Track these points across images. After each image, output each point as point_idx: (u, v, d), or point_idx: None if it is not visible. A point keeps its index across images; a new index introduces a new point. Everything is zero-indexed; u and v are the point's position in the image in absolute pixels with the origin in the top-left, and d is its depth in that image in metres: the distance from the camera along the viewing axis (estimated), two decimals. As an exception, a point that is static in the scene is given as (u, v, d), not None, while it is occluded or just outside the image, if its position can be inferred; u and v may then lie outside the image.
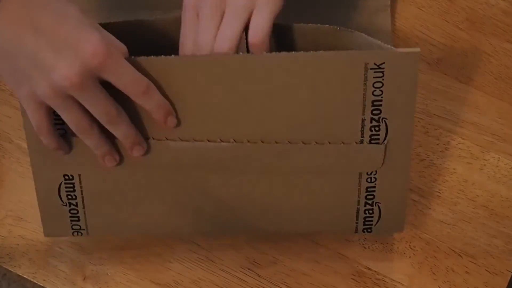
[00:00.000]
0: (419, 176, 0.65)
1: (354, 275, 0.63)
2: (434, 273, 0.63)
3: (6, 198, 0.65)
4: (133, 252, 0.64)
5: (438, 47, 0.68)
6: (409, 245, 0.64)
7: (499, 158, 0.66)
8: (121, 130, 0.52)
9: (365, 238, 0.64)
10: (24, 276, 0.64)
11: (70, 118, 0.51)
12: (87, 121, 0.51)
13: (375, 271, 0.63)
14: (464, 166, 0.66)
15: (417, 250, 0.64)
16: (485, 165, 0.66)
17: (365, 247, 0.64)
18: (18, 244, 0.65)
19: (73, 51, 0.47)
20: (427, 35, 0.68)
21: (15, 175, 0.66)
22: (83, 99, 0.49)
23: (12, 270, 0.64)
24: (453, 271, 0.63)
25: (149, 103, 0.51)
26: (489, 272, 0.63)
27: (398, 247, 0.64)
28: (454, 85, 0.67)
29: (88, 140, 0.53)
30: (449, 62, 0.68)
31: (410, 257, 0.64)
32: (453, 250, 0.64)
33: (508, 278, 0.63)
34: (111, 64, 0.48)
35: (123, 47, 0.50)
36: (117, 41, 0.50)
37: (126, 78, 0.49)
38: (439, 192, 0.65)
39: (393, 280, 0.63)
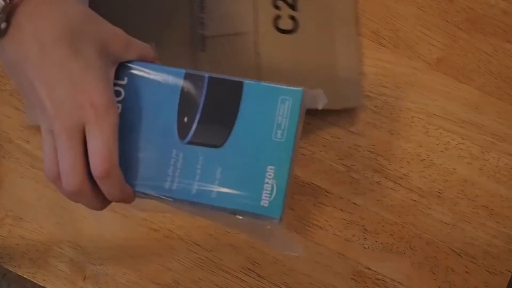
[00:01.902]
0: (419, 176, 0.65)
1: (354, 275, 0.63)
2: (434, 273, 0.63)
3: (6, 198, 0.65)
4: (133, 252, 0.64)
5: (438, 47, 0.68)
6: (409, 245, 0.64)
7: (499, 158, 0.66)
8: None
9: (365, 238, 0.64)
10: (24, 276, 0.64)
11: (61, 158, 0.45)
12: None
13: (375, 271, 0.64)
14: (464, 166, 0.66)
15: (417, 250, 0.64)
16: (485, 165, 0.66)
17: (365, 247, 0.64)
18: (18, 244, 0.65)
19: (70, 95, 0.43)
20: (427, 35, 0.68)
21: (15, 175, 0.66)
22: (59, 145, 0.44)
23: (12, 270, 0.64)
24: (453, 271, 0.63)
25: (103, 186, 0.45)
26: (489, 272, 0.63)
27: (398, 247, 0.64)
28: (454, 85, 0.67)
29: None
30: (449, 62, 0.68)
31: (410, 257, 0.64)
32: (453, 250, 0.64)
33: (508, 278, 0.63)
34: (99, 123, 0.43)
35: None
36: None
37: (96, 147, 0.43)
38: (439, 192, 0.65)
39: (393, 280, 0.63)
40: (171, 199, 0.48)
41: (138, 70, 0.48)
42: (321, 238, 0.64)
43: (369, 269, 0.64)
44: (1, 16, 0.42)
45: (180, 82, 0.48)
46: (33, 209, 0.65)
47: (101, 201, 0.46)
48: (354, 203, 0.65)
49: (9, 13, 0.42)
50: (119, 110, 0.47)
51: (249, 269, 0.64)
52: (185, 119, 0.48)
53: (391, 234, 0.64)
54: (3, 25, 0.42)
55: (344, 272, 0.63)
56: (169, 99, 0.48)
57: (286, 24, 0.66)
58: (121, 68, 0.48)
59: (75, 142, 0.43)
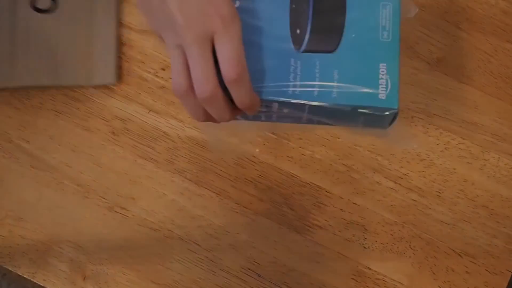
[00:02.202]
0: (419, 176, 0.65)
1: (354, 275, 0.63)
2: (434, 273, 0.63)
3: (6, 198, 0.65)
4: (133, 252, 0.64)
5: (438, 47, 0.68)
6: (409, 245, 0.64)
7: (499, 158, 0.66)
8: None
9: (365, 238, 0.64)
10: (24, 276, 0.64)
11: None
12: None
13: (375, 271, 0.64)
14: (464, 166, 0.66)
15: (417, 250, 0.64)
16: (485, 165, 0.66)
17: (365, 247, 0.64)
18: (18, 244, 0.65)
19: (200, 7, 0.47)
20: (427, 35, 0.68)
21: (15, 175, 0.66)
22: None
23: (12, 270, 0.64)
24: (453, 271, 0.63)
25: (234, 91, 0.49)
26: (489, 272, 0.63)
27: (398, 247, 0.64)
28: (454, 85, 0.67)
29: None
30: (449, 62, 0.68)
31: (410, 257, 0.64)
32: (453, 250, 0.64)
33: (508, 278, 0.63)
34: (227, 31, 0.47)
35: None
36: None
37: (227, 53, 0.47)
38: (439, 192, 0.65)
39: (393, 280, 0.63)
40: (292, 106, 0.52)
41: None
42: (321, 238, 0.64)
43: (369, 269, 0.64)
44: None
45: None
46: (33, 209, 0.65)
47: (231, 109, 0.50)
48: (354, 203, 0.65)
49: None
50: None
51: (249, 269, 0.64)
52: (298, 31, 0.53)
53: (391, 234, 0.64)
54: None
55: (344, 272, 0.63)
56: (280, 14, 0.53)
57: (44, 3, 0.68)
58: None
59: (206, 50, 0.47)
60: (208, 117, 0.51)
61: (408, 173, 0.65)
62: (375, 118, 0.53)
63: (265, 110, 0.53)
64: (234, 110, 0.50)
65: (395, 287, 0.63)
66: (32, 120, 0.67)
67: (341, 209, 0.65)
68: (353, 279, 0.63)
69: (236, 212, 0.65)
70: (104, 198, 0.65)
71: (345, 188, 0.65)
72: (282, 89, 0.52)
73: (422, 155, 0.66)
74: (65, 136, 0.67)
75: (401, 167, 0.66)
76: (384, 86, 0.52)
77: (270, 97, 0.51)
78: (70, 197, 0.65)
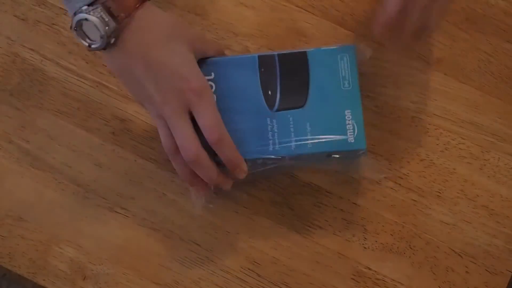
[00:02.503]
0: (419, 176, 0.65)
1: (354, 275, 0.63)
2: (434, 273, 0.63)
3: (6, 198, 0.65)
4: (133, 252, 0.64)
5: (438, 47, 0.68)
6: (409, 245, 0.64)
7: (499, 158, 0.66)
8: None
9: (365, 238, 0.64)
10: (24, 276, 0.64)
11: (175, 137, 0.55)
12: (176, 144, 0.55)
13: (375, 271, 0.64)
14: (464, 166, 0.66)
15: (417, 250, 0.64)
16: (485, 165, 0.66)
17: (365, 247, 0.64)
18: (18, 244, 0.65)
19: (172, 84, 0.53)
20: (427, 35, 0.68)
21: (15, 175, 0.66)
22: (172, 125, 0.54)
23: (12, 270, 0.64)
24: (453, 271, 0.63)
25: (219, 151, 0.55)
26: (489, 272, 0.63)
27: (398, 247, 0.64)
28: (454, 85, 0.67)
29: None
30: (449, 62, 0.68)
31: (410, 257, 0.64)
32: (453, 250, 0.64)
33: (508, 278, 0.63)
34: (200, 102, 0.53)
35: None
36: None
37: (204, 121, 0.53)
38: (439, 192, 0.65)
39: (393, 280, 0.63)
40: (275, 159, 0.58)
41: (220, 64, 0.59)
42: (321, 238, 0.64)
43: (369, 269, 0.64)
44: (113, 34, 0.52)
45: (256, 64, 0.59)
46: (33, 209, 0.65)
47: (216, 170, 0.56)
48: (354, 203, 0.65)
49: (119, 31, 0.53)
50: (215, 99, 0.57)
51: (249, 269, 0.64)
52: (269, 92, 0.59)
53: (391, 234, 0.64)
54: (113, 40, 0.53)
55: (344, 272, 0.63)
56: (252, 79, 0.59)
57: None
58: (206, 66, 0.58)
59: (184, 120, 0.53)
60: (195, 178, 0.57)
61: (408, 173, 0.65)
62: (347, 159, 0.60)
63: (250, 165, 0.58)
64: (221, 174, 0.57)
65: (395, 287, 0.63)
66: (32, 120, 0.67)
67: (341, 209, 0.65)
68: (353, 279, 0.63)
69: (236, 212, 0.65)
70: (104, 198, 0.65)
71: (345, 188, 0.65)
72: (264, 147, 0.58)
73: (422, 155, 0.66)
74: (65, 136, 0.67)
75: (401, 167, 0.66)
76: (352, 130, 0.58)
77: (254, 156, 0.58)
78: (70, 197, 0.65)
